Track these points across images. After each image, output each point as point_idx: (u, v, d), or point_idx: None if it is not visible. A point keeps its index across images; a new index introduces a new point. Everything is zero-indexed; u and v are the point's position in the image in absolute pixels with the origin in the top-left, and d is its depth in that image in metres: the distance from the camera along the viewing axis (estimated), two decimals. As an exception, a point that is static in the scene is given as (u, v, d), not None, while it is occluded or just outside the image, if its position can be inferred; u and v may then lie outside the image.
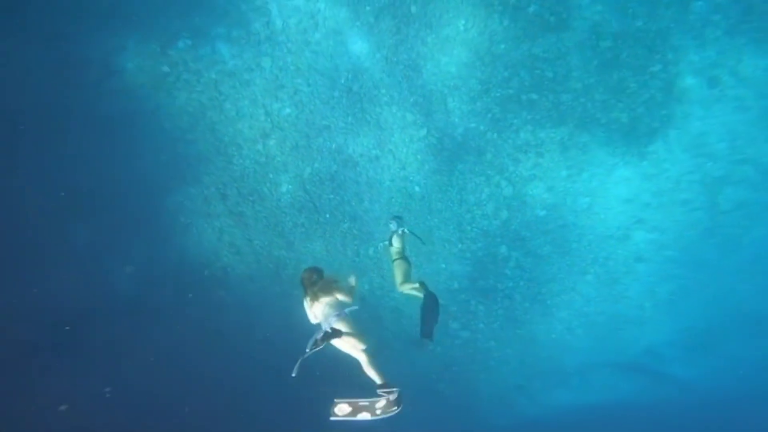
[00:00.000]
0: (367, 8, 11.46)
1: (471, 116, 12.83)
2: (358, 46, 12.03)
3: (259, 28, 11.64)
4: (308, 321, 5.60)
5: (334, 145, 12.94)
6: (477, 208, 13.95)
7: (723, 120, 12.39)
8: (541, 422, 19.35)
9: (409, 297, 7.71)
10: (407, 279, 7.71)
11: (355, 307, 5.38)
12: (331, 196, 13.52)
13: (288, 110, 12.52)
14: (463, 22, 11.73)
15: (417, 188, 13.63)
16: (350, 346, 5.22)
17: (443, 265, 14.65)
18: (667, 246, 14.54)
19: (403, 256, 7.80)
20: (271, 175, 13.10)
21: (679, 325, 16.57)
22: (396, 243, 7.77)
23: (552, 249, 14.68)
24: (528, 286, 15.26)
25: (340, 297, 5.49)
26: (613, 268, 15.01)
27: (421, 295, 7.49)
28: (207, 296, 14.14)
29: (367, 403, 5.18)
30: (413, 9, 11.57)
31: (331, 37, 11.88)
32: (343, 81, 12.31)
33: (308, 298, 5.53)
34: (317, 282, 5.64)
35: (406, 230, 7.78)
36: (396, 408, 4.98)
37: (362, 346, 5.21)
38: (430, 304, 7.36)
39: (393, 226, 7.70)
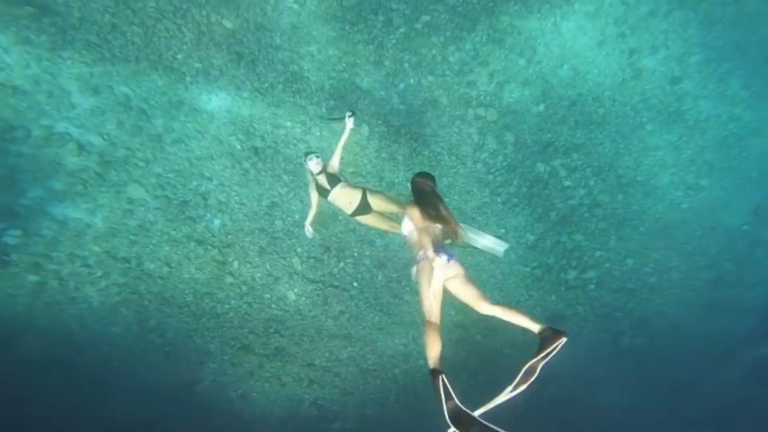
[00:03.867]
0: (179, 57, 9.73)
1: (389, 80, 11.03)
2: (216, 101, 10.17)
3: (84, 162, 9.43)
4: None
5: (296, 216, 10.97)
6: (479, 152, 11.67)
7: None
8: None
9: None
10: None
11: None
12: (341, 264, 11.44)
13: (216, 221, 10.62)
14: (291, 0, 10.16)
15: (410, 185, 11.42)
16: None
17: (502, 230, 12.06)
18: (691, 52, 12.20)
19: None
20: (267, 295, 11.14)
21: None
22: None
23: (585, 131, 12.22)
24: (600, 179, 12.53)
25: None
26: (660, 104, 12.42)
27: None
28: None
29: None
30: (228, 24, 9.96)
31: (176, 113, 9.95)
32: (239, 147, 10.46)
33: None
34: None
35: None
36: None
37: None
38: None
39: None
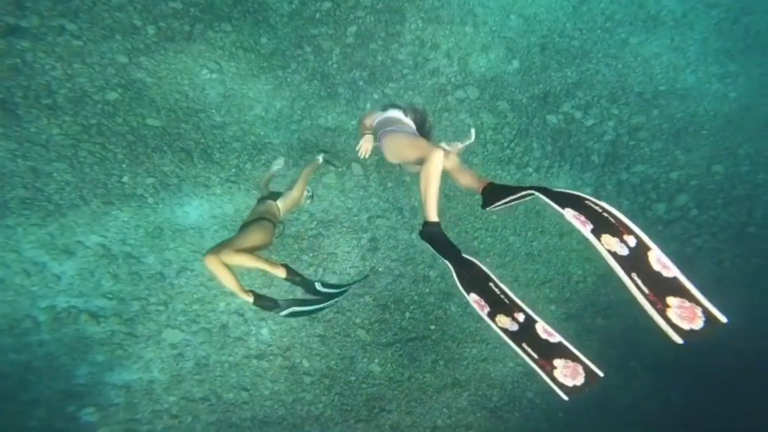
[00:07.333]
0: (125, 180, 8.88)
1: (352, 106, 10.20)
2: (193, 211, 9.02)
3: (107, 328, 8.54)
4: None
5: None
6: (482, 134, 10.66)
7: None
8: None
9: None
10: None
11: None
12: (407, 314, 9.79)
13: (263, 330, 9.17)
14: (205, 71, 9.53)
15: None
16: None
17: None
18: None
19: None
20: (352, 378, 9.45)
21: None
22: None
23: (573, 68, 11.22)
24: (623, 104, 11.18)
25: None
26: (627, 17, 11.72)
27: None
28: None
29: None
30: (154, 123, 9.45)
31: (161, 242, 8.94)
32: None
33: None
34: None
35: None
36: None
37: None
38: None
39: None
